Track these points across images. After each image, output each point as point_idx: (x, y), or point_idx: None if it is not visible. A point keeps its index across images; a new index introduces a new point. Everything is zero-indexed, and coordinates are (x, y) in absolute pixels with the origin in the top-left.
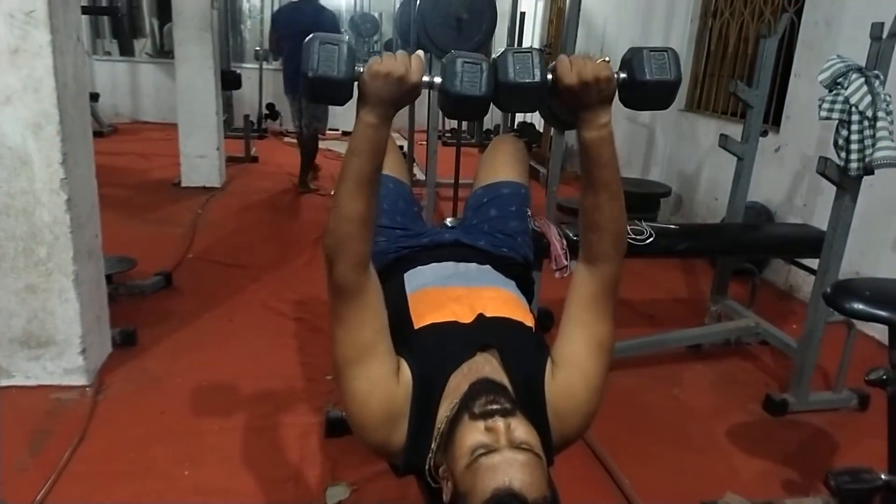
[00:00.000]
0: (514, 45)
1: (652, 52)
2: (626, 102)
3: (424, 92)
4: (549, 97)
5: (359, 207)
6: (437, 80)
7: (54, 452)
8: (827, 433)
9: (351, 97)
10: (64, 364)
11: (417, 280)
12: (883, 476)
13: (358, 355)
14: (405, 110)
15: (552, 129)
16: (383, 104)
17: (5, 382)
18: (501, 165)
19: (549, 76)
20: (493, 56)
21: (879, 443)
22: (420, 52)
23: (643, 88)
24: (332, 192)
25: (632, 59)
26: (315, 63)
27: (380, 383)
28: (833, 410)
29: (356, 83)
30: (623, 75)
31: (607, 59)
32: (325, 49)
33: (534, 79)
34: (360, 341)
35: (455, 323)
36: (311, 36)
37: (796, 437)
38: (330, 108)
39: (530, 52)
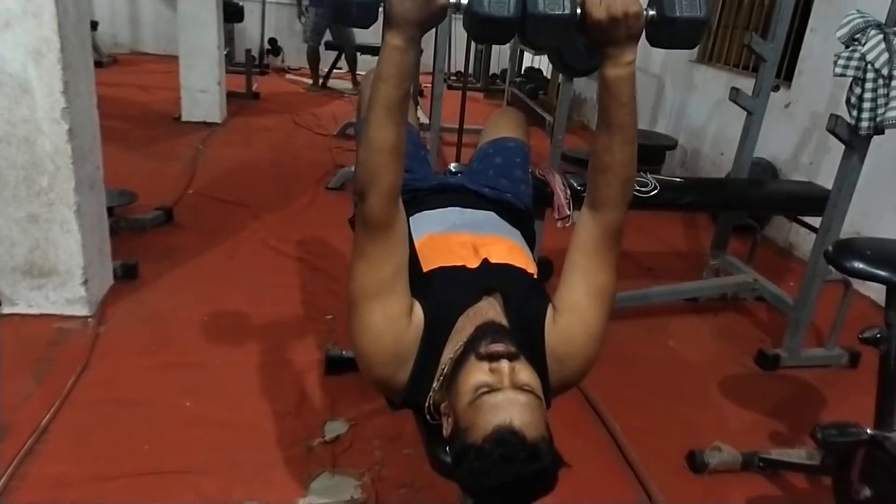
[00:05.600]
0: None
1: None
2: (654, 40)
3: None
4: (576, 31)
5: (389, 136)
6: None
7: (58, 380)
8: (816, 389)
9: (376, 19)
10: (66, 294)
11: (423, 225)
12: (869, 431)
13: (377, 290)
14: None
15: (560, 75)
16: (410, 26)
17: (8, 310)
18: (505, 127)
19: (578, 10)
20: None
21: (867, 399)
22: None
23: (672, 25)
24: (357, 122)
25: None
26: None
27: (393, 321)
28: (824, 367)
29: (381, 5)
30: (652, 12)
31: None
32: None
33: (563, 10)
34: (382, 276)
35: (462, 268)
36: None
37: (786, 392)
38: None
39: None
